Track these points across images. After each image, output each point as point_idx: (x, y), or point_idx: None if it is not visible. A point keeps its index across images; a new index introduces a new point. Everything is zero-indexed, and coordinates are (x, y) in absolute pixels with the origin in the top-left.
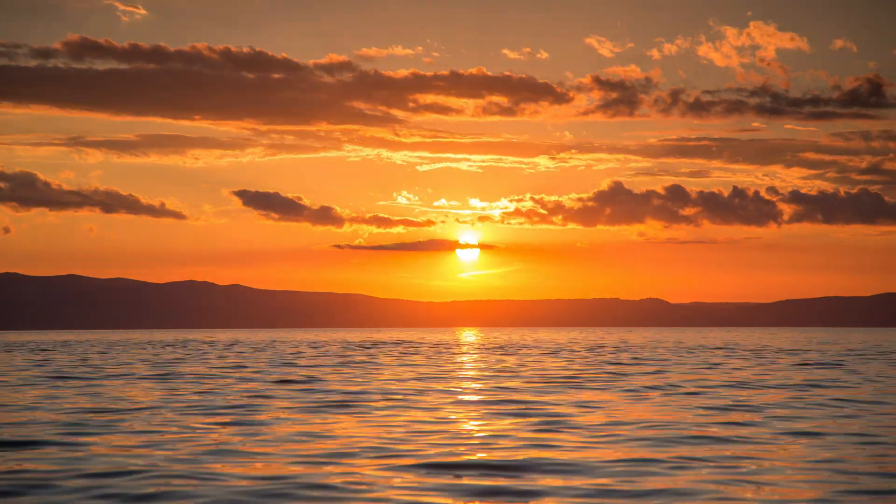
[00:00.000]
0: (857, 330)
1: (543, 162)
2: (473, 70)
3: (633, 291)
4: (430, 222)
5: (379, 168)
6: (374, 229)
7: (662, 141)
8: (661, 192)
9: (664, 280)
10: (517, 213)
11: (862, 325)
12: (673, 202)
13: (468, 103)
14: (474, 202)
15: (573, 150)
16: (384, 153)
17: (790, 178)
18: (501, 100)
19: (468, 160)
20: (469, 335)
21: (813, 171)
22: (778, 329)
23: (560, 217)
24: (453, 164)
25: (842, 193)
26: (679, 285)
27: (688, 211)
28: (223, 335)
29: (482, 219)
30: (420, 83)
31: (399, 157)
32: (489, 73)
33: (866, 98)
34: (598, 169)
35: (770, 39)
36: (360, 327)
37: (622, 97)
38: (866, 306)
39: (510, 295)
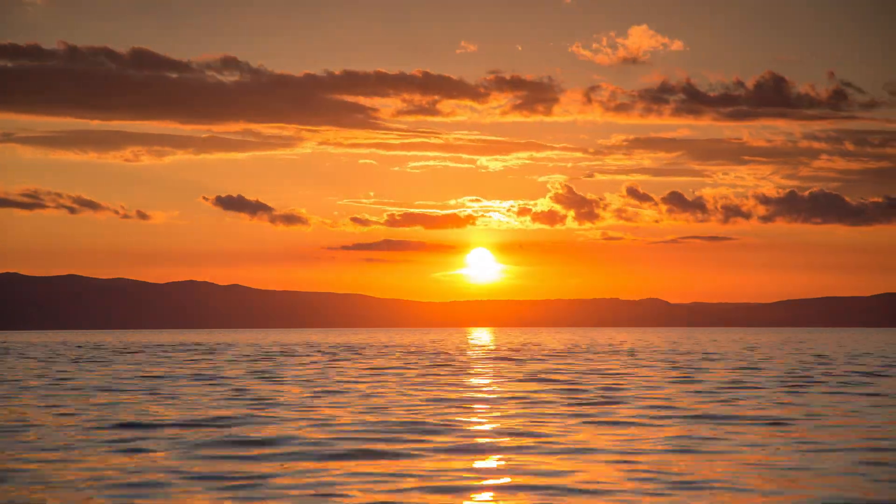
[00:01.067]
0: (857, 330)
1: (484, 161)
2: (371, 69)
3: (633, 291)
4: (395, 222)
5: (333, 168)
6: (349, 230)
7: (607, 140)
8: (623, 191)
9: (664, 280)
10: (482, 212)
11: (861, 325)
12: (640, 202)
13: (383, 102)
14: (430, 202)
15: (510, 150)
16: (331, 150)
17: (751, 177)
18: (416, 98)
19: (407, 159)
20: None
21: (765, 171)
22: (779, 329)
23: (528, 217)
24: (397, 166)
25: (801, 193)
26: (679, 285)
27: (659, 209)
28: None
29: (448, 218)
30: (321, 83)
31: (343, 155)
32: (387, 72)
33: (773, 97)
34: (548, 167)
35: (637, 39)
36: (360, 327)
37: (536, 96)
38: (866, 306)
39: (510, 295)
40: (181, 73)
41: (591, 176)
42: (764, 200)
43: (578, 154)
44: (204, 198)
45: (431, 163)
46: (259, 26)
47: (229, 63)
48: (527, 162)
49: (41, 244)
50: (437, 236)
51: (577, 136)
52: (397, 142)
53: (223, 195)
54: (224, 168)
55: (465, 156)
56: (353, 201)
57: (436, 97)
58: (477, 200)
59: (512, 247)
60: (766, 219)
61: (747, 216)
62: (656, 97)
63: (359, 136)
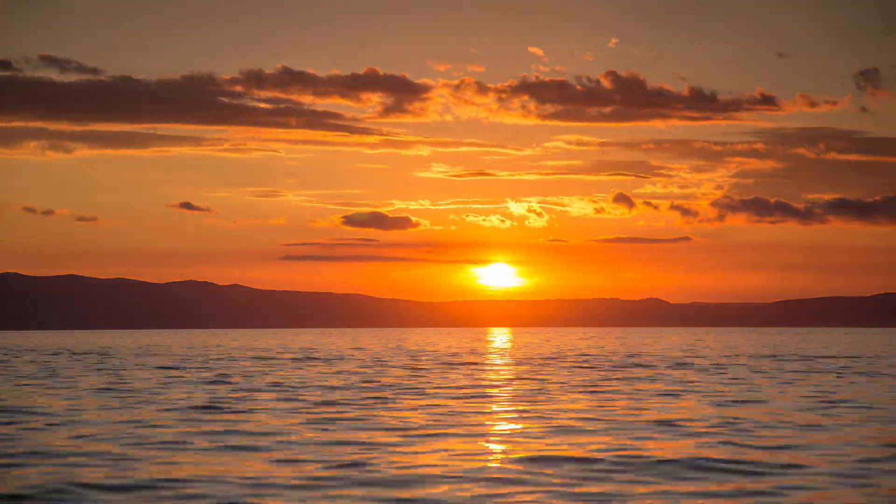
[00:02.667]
0: (858, 331)
1: (408, 160)
2: (207, 69)
3: (633, 291)
4: (354, 222)
5: (262, 167)
6: (309, 229)
7: (513, 139)
8: (571, 190)
9: (664, 280)
10: (441, 211)
11: (862, 325)
12: (605, 202)
13: (255, 100)
14: (372, 201)
15: (417, 145)
16: (251, 149)
17: (691, 177)
18: (282, 96)
19: (328, 157)
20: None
21: (686, 169)
22: (778, 329)
23: (480, 217)
24: (324, 165)
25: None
26: (679, 285)
27: (628, 210)
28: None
29: (402, 218)
30: (172, 85)
31: (258, 152)
32: (225, 76)
33: (638, 97)
34: (474, 165)
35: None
36: (360, 327)
37: (402, 95)
38: (866, 306)
39: (509, 295)
40: (10, 71)
41: (525, 174)
42: (721, 202)
43: (496, 149)
44: (176, 204)
45: (362, 164)
46: (73, 25)
47: (50, 62)
48: (442, 161)
49: (44, 244)
50: (408, 236)
51: (481, 133)
52: (307, 140)
53: (174, 195)
54: (151, 165)
55: (401, 152)
56: (298, 199)
57: (310, 96)
58: (422, 200)
59: (495, 246)
60: (719, 219)
61: (696, 215)
62: (532, 94)
63: (265, 134)
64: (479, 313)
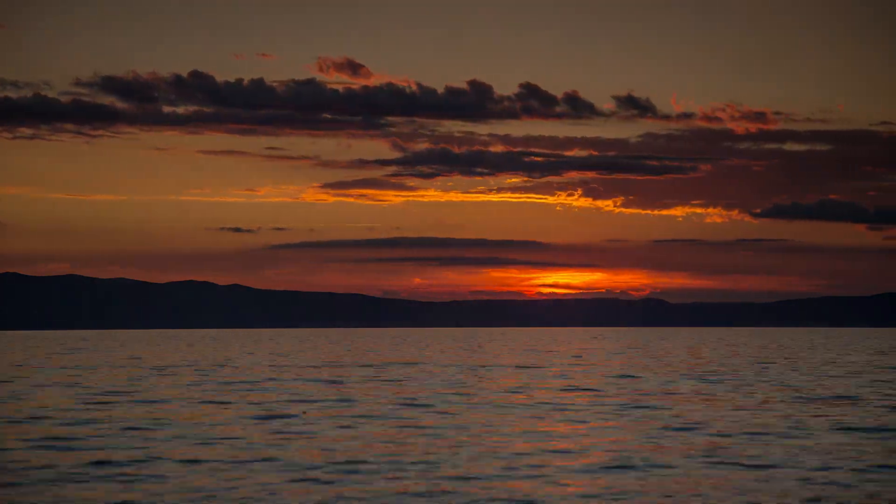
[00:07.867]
0: (859, 330)
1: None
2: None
3: (633, 291)
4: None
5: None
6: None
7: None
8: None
9: (664, 280)
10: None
11: (862, 325)
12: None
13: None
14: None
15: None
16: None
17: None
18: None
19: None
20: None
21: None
22: (778, 329)
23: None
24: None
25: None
26: (679, 285)
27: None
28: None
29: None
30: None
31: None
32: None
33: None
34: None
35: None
36: (360, 327)
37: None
38: (866, 306)
39: (508, 294)
40: None
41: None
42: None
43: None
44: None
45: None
46: None
47: None
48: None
49: (44, 244)
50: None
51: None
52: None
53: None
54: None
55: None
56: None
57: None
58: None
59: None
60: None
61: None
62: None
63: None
64: (478, 312)
